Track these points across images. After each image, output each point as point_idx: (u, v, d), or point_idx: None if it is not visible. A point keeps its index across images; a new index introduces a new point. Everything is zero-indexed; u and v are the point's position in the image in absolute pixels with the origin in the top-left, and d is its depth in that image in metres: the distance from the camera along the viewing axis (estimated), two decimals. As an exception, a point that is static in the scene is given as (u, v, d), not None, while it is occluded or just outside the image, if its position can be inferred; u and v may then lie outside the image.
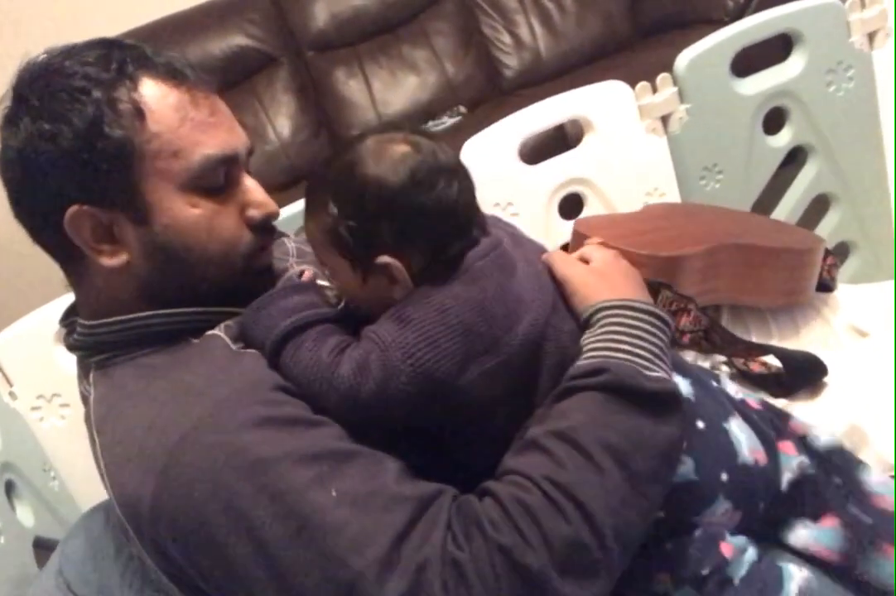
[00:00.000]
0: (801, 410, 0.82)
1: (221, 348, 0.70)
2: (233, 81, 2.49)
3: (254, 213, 0.74)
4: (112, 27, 1.96)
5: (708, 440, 0.70)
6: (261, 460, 0.61)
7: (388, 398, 0.65)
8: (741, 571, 0.67)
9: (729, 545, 0.68)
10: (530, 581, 0.59)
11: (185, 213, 0.70)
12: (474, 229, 0.69)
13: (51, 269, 0.79)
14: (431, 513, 0.62)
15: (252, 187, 0.74)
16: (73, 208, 0.68)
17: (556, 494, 0.60)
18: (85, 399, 0.75)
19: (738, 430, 0.71)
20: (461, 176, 0.68)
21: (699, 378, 0.75)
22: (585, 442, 0.62)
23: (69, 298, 0.82)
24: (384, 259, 0.66)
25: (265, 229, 0.75)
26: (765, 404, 0.79)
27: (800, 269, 1.00)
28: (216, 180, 0.71)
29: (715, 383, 0.78)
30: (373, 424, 0.67)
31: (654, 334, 0.67)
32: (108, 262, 0.71)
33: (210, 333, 0.72)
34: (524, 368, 0.67)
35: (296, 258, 0.86)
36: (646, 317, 0.67)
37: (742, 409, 0.75)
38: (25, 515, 1.07)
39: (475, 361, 0.65)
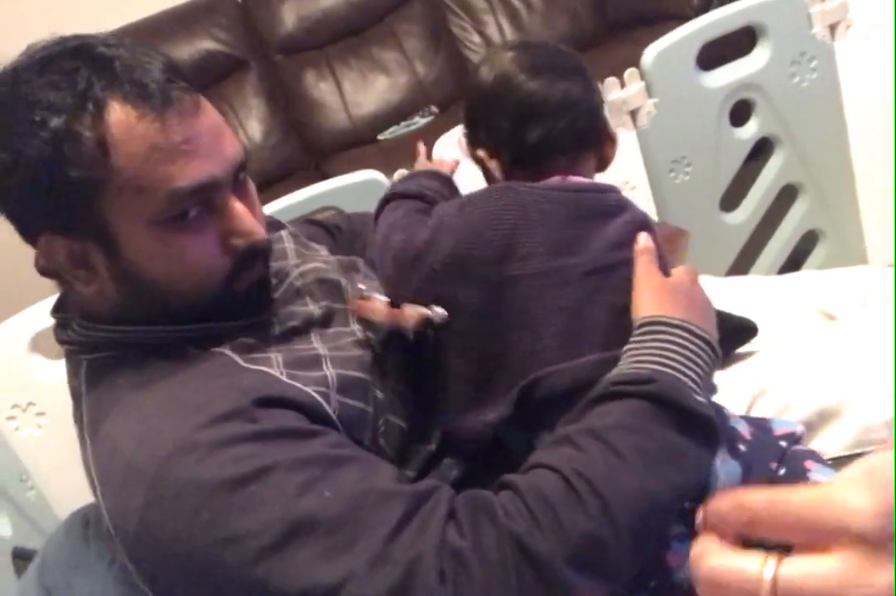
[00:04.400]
0: (771, 396, 0.83)
1: (225, 366, 0.69)
2: (201, 86, 2.45)
3: (237, 242, 0.70)
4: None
5: None
6: (249, 473, 0.60)
7: (418, 270, 0.73)
8: None
9: (676, 554, 0.67)
10: (539, 569, 0.57)
11: (152, 249, 0.67)
12: (559, 126, 0.74)
13: (23, 278, 0.79)
14: (428, 507, 0.61)
15: (238, 214, 0.69)
16: (44, 237, 0.67)
17: (581, 487, 0.59)
18: (77, 397, 0.73)
19: (721, 463, 0.68)
20: (555, 75, 0.75)
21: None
22: (620, 444, 0.61)
23: (43, 307, 0.81)
24: (479, 153, 0.78)
25: (248, 255, 0.71)
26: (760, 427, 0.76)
27: (679, 253, 1.13)
28: (187, 213, 0.67)
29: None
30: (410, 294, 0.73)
31: (706, 362, 0.66)
32: (82, 289, 0.70)
33: (216, 350, 0.70)
34: (543, 298, 0.70)
35: (295, 260, 0.83)
36: (701, 344, 0.67)
37: (732, 437, 0.72)
38: (3, 525, 1.06)
39: (507, 262, 0.69)
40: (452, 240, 0.71)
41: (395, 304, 0.74)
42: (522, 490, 0.60)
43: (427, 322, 0.72)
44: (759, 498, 0.29)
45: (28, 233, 0.69)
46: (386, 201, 0.81)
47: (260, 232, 0.70)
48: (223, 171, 0.67)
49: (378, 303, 0.74)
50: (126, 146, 0.64)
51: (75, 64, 0.65)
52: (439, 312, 0.71)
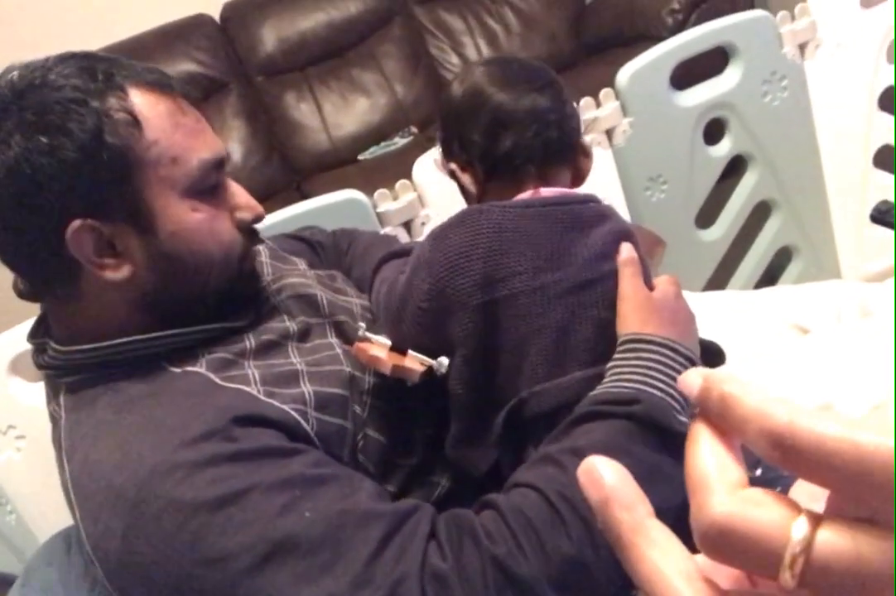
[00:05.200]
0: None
1: (201, 384, 0.68)
2: (182, 108, 2.49)
3: (244, 215, 0.74)
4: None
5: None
6: (229, 494, 0.60)
7: (407, 314, 0.73)
8: None
9: None
10: (521, 592, 0.57)
11: (188, 218, 0.70)
12: (527, 135, 0.74)
13: (0, 301, 0.78)
14: (409, 527, 0.61)
15: (237, 190, 0.75)
16: (76, 223, 0.66)
17: (563, 509, 0.59)
18: (55, 420, 0.73)
19: None
20: (524, 87, 0.75)
21: None
22: None
23: (21, 330, 0.81)
24: (451, 166, 0.78)
25: (252, 232, 0.76)
26: None
27: (655, 261, 1.16)
28: (211, 184, 0.71)
29: None
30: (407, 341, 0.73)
31: None
32: (112, 276, 0.69)
33: (191, 369, 0.70)
34: (528, 317, 0.69)
35: (270, 276, 0.84)
36: (684, 362, 0.67)
37: None
38: (-17, 550, 1.05)
39: (489, 286, 0.69)
40: (429, 276, 0.71)
41: (397, 347, 0.74)
42: (504, 511, 0.61)
43: (430, 372, 0.72)
44: (800, 427, 0.20)
45: (55, 221, 0.67)
46: (380, 263, 0.82)
47: (258, 205, 0.75)
48: (224, 152, 0.74)
49: (379, 348, 0.73)
50: (155, 122, 0.68)
51: (86, 62, 0.68)
52: (443, 362, 0.72)
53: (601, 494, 0.24)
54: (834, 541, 0.20)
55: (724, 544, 0.21)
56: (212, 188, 0.72)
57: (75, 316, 0.73)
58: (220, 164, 0.72)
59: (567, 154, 0.77)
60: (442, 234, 0.73)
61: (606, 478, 0.24)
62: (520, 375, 0.69)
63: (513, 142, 0.73)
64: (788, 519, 0.20)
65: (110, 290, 0.70)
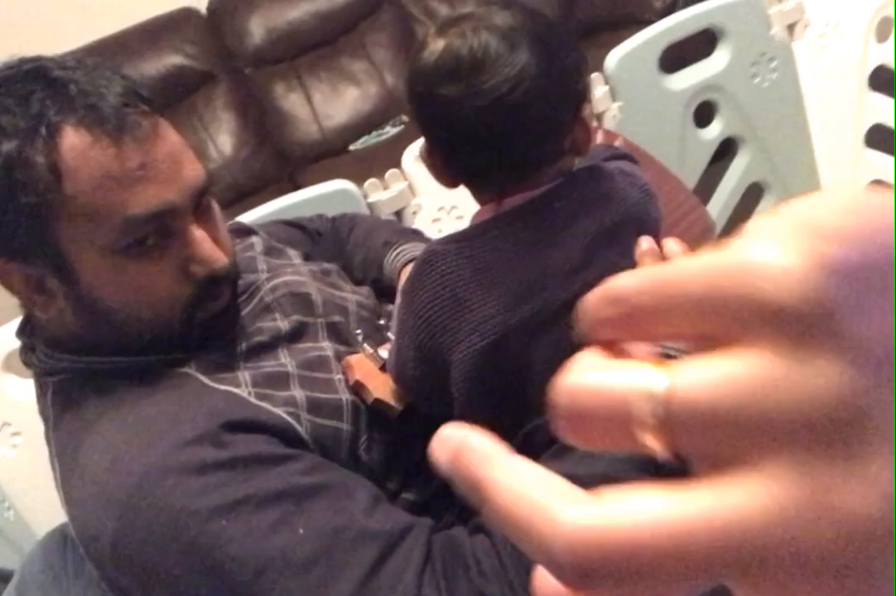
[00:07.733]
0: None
1: (191, 386, 0.68)
2: (171, 101, 2.48)
3: (197, 269, 0.68)
4: (46, 51, 1.93)
5: None
6: (221, 505, 0.60)
7: (406, 380, 0.69)
8: None
9: None
10: None
11: (109, 276, 0.66)
12: (488, 152, 0.63)
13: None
14: (404, 549, 0.59)
15: (198, 240, 0.67)
16: (0, 262, 0.66)
17: None
18: (46, 419, 0.73)
19: None
20: (484, 72, 0.60)
21: None
22: None
23: (15, 326, 0.81)
24: (422, 151, 0.68)
25: (214, 281, 0.69)
26: None
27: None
28: (144, 240, 0.65)
29: None
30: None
31: None
32: (41, 313, 0.69)
33: (181, 370, 0.69)
34: (517, 357, 0.64)
35: (266, 273, 0.82)
36: None
37: None
38: (-19, 546, 1.05)
39: (468, 337, 0.64)
40: (412, 341, 0.67)
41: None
42: (497, 542, 0.59)
43: (411, 408, 0.71)
44: (632, 279, 0.18)
45: None
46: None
47: (220, 259, 0.68)
48: (181, 198, 0.66)
49: (370, 365, 0.71)
50: (79, 173, 0.62)
51: (30, 87, 0.63)
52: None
53: (450, 452, 0.20)
54: (687, 381, 0.17)
55: (583, 412, 0.19)
56: (148, 243, 0.65)
57: (49, 324, 0.72)
58: (163, 214, 0.65)
59: (548, 158, 0.64)
60: (408, 290, 0.68)
61: (453, 435, 0.20)
62: (520, 413, 0.65)
63: (469, 159, 0.63)
64: (647, 375, 0.18)
65: (51, 322, 0.70)
